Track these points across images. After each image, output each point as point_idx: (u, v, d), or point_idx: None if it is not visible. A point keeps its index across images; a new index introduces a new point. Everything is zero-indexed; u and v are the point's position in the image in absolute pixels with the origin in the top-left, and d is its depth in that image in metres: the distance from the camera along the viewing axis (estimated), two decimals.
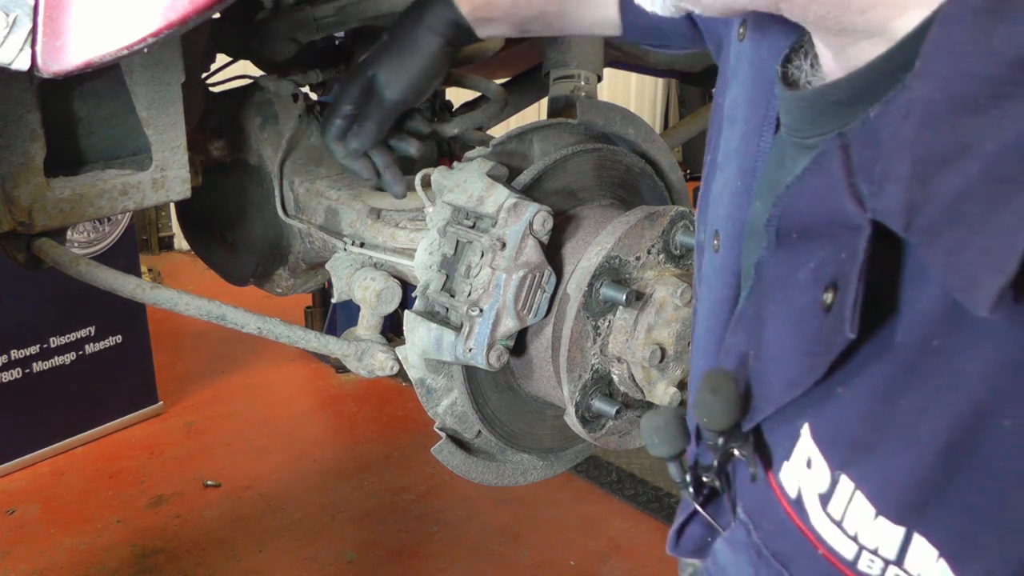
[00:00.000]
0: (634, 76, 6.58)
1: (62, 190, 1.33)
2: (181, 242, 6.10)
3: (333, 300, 1.50)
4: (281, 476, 3.64)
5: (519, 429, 1.43)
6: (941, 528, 0.59)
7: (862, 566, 0.63)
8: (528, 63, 2.32)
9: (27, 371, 3.62)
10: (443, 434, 1.38)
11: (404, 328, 1.29)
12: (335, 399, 4.30)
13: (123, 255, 3.76)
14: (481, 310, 1.22)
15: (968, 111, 0.50)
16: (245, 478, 3.61)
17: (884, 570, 0.62)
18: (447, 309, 1.28)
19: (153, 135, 1.39)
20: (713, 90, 1.17)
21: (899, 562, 0.61)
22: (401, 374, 1.38)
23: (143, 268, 4.80)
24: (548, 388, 1.35)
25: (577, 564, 3.15)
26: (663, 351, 1.27)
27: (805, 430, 0.66)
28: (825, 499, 0.65)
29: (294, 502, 3.46)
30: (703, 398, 0.71)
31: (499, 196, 1.23)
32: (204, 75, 1.69)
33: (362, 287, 1.42)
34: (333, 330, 4.07)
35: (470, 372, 1.33)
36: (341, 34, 1.87)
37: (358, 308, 1.46)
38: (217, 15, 1.58)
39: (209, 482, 3.58)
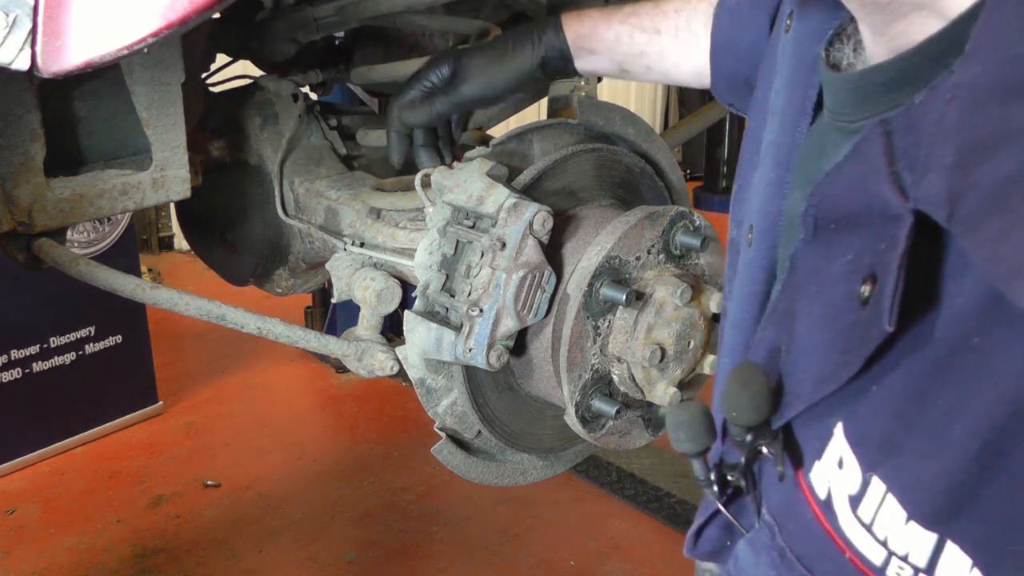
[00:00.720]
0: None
1: (62, 190, 1.33)
2: (181, 242, 6.10)
3: (333, 300, 1.50)
4: (281, 476, 3.64)
5: (519, 429, 1.43)
6: (975, 536, 0.56)
7: (891, 573, 0.61)
8: None
9: (27, 371, 3.62)
10: (443, 434, 1.38)
11: (404, 328, 1.29)
12: (335, 399, 4.30)
13: (123, 255, 3.77)
14: (481, 310, 1.22)
15: (1016, 96, 0.49)
16: (245, 478, 3.61)
17: None
18: (447, 309, 1.28)
19: (153, 135, 1.39)
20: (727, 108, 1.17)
21: (929, 570, 0.58)
22: (401, 374, 1.38)
23: (143, 268, 4.80)
24: (548, 388, 1.35)
25: (577, 564, 3.15)
26: (663, 351, 1.27)
27: (838, 429, 0.64)
28: (856, 501, 0.63)
29: (294, 502, 3.46)
30: (732, 392, 0.69)
31: (499, 196, 1.23)
32: (204, 75, 1.69)
33: (362, 287, 1.42)
34: (333, 330, 4.07)
35: (470, 372, 1.33)
36: (341, 34, 1.87)
37: (358, 308, 1.46)
38: (217, 15, 1.58)
39: (209, 482, 3.58)
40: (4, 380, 3.56)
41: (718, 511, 0.84)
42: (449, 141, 1.41)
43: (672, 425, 0.76)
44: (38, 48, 0.93)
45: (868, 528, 0.62)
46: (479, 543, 3.24)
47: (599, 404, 1.29)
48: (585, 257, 1.27)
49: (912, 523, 0.58)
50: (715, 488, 0.80)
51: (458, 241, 1.27)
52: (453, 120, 1.41)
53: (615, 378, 1.30)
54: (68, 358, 3.74)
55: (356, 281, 1.44)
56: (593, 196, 1.40)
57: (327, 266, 1.53)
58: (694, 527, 0.90)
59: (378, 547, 3.22)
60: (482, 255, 1.24)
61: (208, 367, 4.51)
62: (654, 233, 1.30)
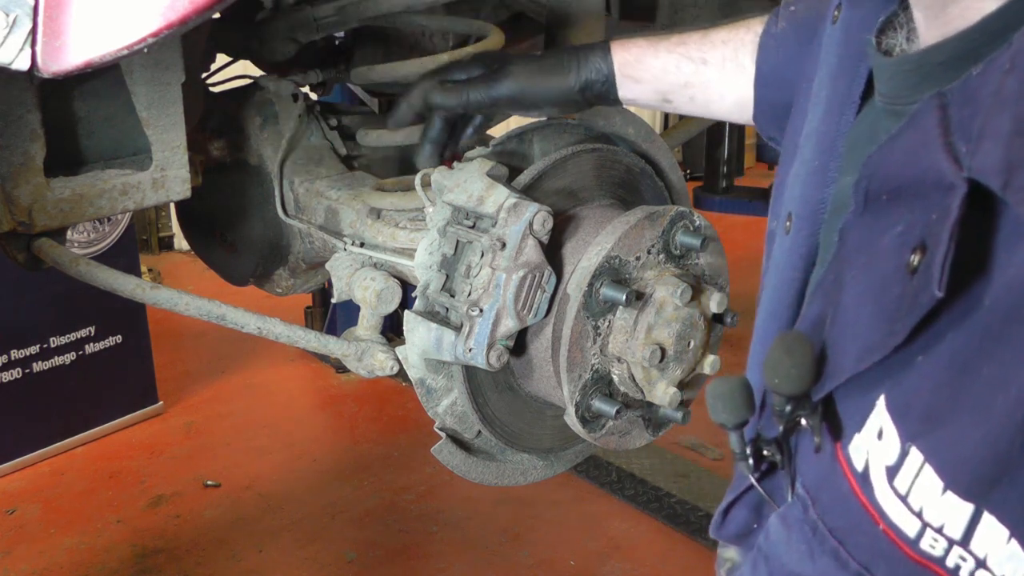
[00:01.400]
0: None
1: (62, 190, 1.33)
2: (181, 242, 6.10)
3: (333, 300, 1.50)
4: (281, 476, 3.64)
5: (519, 429, 1.43)
6: (1014, 506, 0.55)
7: (924, 545, 0.60)
8: None
9: (27, 371, 3.62)
10: (443, 434, 1.38)
11: (404, 328, 1.29)
12: (335, 399, 4.30)
13: (123, 255, 3.77)
14: (481, 310, 1.22)
15: None
16: (245, 478, 3.61)
17: (948, 550, 0.59)
18: (447, 309, 1.28)
19: (153, 135, 1.39)
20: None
21: (965, 542, 0.58)
22: (401, 374, 1.38)
23: (143, 268, 4.80)
24: (548, 388, 1.35)
25: (577, 564, 3.15)
26: (663, 351, 1.27)
27: (880, 401, 0.63)
28: (892, 472, 0.62)
29: (294, 502, 3.46)
30: (775, 358, 0.68)
31: (499, 196, 1.23)
32: (204, 75, 1.69)
33: (362, 287, 1.42)
34: (333, 330, 4.07)
35: (470, 372, 1.33)
36: (341, 34, 1.87)
37: (358, 308, 1.46)
38: (217, 15, 1.58)
39: (209, 482, 3.58)
40: (4, 380, 3.56)
41: (749, 488, 0.83)
42: (455, 146, 1.38)
43: (712, 396, 0.76)
44: (38, 48, 0.93)
45: (904, 499, 0.61)
46: (479, 543, 3.24)
47: (599, 404, 1.29)
48: (585, 257, 1.27)
49: (949, 493, 0.58)
50: (750, 462, 0.79)
51: (458, 241, 1.27)
52: (472, 125, 1.35)
53: (615, 378, 1.30)
54: (68, 358, 3.74)
55: (356, 281, 1.44)
56: (593, 196, 1.40)
57: (327, 266, 1.53)
58: (723, 505, 0.89)
59: (378, 547, 3.22)
60: (482, 255, 1.24)
61: (208, 367, 4.52)
62: (654, 233, 1.29)
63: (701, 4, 2.22)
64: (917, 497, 0.60)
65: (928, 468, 0.59)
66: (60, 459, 3.73)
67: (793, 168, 0.87)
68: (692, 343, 1.30)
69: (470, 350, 1.23)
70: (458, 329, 1.24)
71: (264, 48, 1.65)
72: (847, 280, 0.68)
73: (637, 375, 1.28)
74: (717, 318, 1.34)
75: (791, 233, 0.84)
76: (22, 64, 0.93)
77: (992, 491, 0.56)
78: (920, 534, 0.60)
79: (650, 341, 1.26)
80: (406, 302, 1.41)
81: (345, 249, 1.52)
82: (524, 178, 1.31)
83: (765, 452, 0.78)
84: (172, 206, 2.32)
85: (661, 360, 1.27)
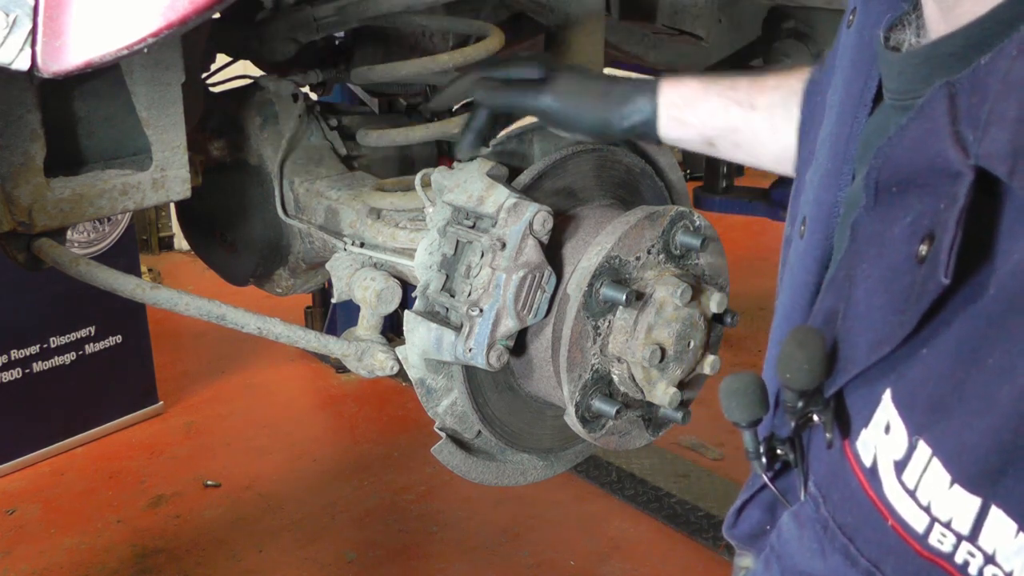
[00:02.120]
0: (634, 76, 6.57)
1: (62, 190, 1.33)
2: (181, 242, 6.10)
3: (333, 300, 1.50)
4: (281, 476, 3.64)
5: (519, 429, 1.43)
6: (1021, 499, 0.55)
7: (933, 540, 0.60)
8: None
9: (27, 371, 3.62)
10: (443, 434, 1.38)
11: (404, 328, 1.29)
12: (335, 399, 4.30)
13: (123, 255, 3.77)
14: (481, 310, 1.22)
15: None
16: (245, 478, 3.61)
17: (956, 546, 0.58)
18: (447, 309, 1.28)
19: (153, 135, 1.39)
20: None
21: (973, 537, 0.57)
22: (401, 374, 1.38)
23: (143, 268, 4.80)
24: (548, 388, 1.35)
25: (577, 564, 3.15)
26: (663, 351, 1.27)
27: (887, 395, 0.63)
28: (901, 466, 0.61)
29: (294, 502, 3.46)
30: (788, 352, 0.68)
31: (499, 196, 1.23)
32: (204, 75, 1.69)
33: (362, 287, 1.42)
34: (333, 330, 4.07)
35: (470, 372, 1.33)
36: (341, 34, 1.87)
37: (358, 308, 1.46)
38: (217, 15, 1.58)
39: (209, 482, 3.58)
40: (4, 380, 3.56)
41: (763, 487, 0.82)
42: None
43: (725, 393, 0.75)
44: (38, 48, 0.93)
45: (912, 494, 0.61)
46: (479, 543, 3.24)
47: (599, 404, 1.29)
48: (585, 257, 1.27)
49: (956, 487, 0.57)
50: (763, 460, 0.78)
51: (458, 241, 1.27)
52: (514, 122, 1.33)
53: (615, 378, 1.30)
54: (68, 358, 3.74)
55: (356, 281, 1.44)
56: (593, 196, 1.40)
57: (327, 266, 1.53)
58: (736, 504, 0.88)
59: (378, 547, 3.22)
60: (482, 255, 1.24)
61: (208, 367, 4.51)
62: (654, 233, 1.29)
63: (701, 4, 2.22)
64: (925, 491, 0.59)
65: (936, 461, 0.58)
66: (60, 459, 3.73)
67: (808, 173, 0.87)
68: (692, 343, 1.30)
69: (470, 350, 1.23)
70: (458, 329, 1.24)
71: (264, 48, 1.65)
72: (858, 274, 0.68)
73: (637, 375, 1.28)
74: (717, 318, 1.34)
75: (805, 237, 0.83)
76: (22, 64, 0.93)
77: (998, 484, 0.55)
78: (928, 529, 0.60)
79: (650, 341, 1.26)
80: (406, 302, 1.41)
81: (345, 249, 1.52)
82: (524, 178, 1.31)
83: (779, 451, 0.78)
84: (172, 206, 2.32)
85: (661, 360, 1.27)
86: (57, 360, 3.70)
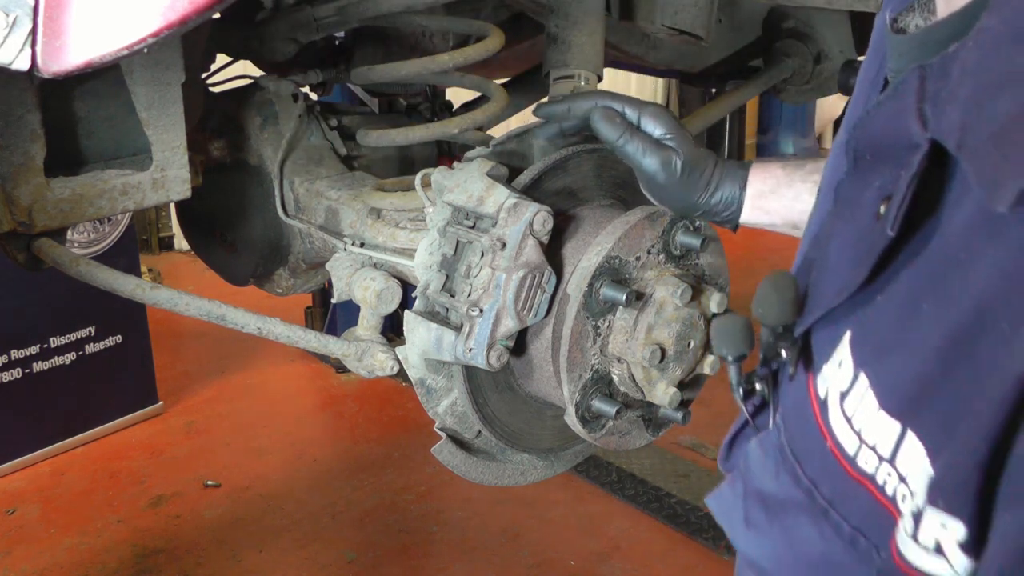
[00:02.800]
0: (634, 76, 6.58)
1: (62, 190, 1.33)
2: (181, 242, 6.10)
3: (333, 300, 1.50)
4: (281, 476, 3.64)
5: (519, 429, 1.43)
6: (930, 426, 0.61)
7: (860, 462, 0.66)
8: (528, 63, 2.32)
9: (27, 371, 3.62)
10: (443, 434, 1.38)
11: (404, 328, 1.29)
12: (335, 399, 4.30)
13: (123, 255, 3.77)
14: (481, 310, 1.22)
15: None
16: (245, 478, 3.61)
17: (878, 467, 0.65)
18: (447, 309, 1.28)
19: (153, 135, 1.39)
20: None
21: (892, 459, 0.63)
22: (401, 374, 1.38)
23: (143, 268, 4.80)
24: (548, 388, 1.35)
25: (577, 564, 3.15)
26: (663, 351, 1.27)
27: (847, 337, 0.70)
28: (844, 396, 0.69)
29: (294, 502, 3.46)
30: (763, 293, 0.76)
31: (499, 196, 1.23)
32: (204, 75, 1.69)
33: (362, 287, 1.42)
34: (333, 330, 4.07)
35: (470, 372, 1.33)
36: (341, 34, 1.87)
37: (358, 308, 1.46)
38: (217, 15, 1.58)
39: (209, 482, 3.58)
40: (4, 380, 3.56)
41: (747, 422, 0.90)
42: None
43: (716, 331, 0.86)
44: (38, 48, 0.93)
45: (849, 420, 0.68)
46: (479, 543, 3.24)
47: (599, 404, 1.29)
48: (585, 257, 1.27)
49: (882, 412, 0.64)
50: (741, 391, 0.87)
51: (458, 241, 1.27)
52: None
53: (615, 378, 1.30)
54: (68, 358, 3.74)
55: (356, 281, 1.44)
56: (593, 196, 1.40)
57: (327, 266, 1.53)
58: (727, 438, 0.95)
59: (378, 547, 3.22)
60: (482, 255, 1.24)
61: (208, 367, 4.51)
62: (654, 233, 1.30)
63: (701, 5, 2.22)
64: (859, 418, 0.67)
65: (870, 392, 0.65)
66: (60, 459, 3.73)
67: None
68: (692, 343, 1.30)
69: (470, 350, 1.23)
70: (458, 329, 1.24)
71: (264, 48, 1.65)
72: (834, 232, 0.76)
73: (637, 375, 1.28)
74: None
75: (815, 207, 0.90)
76: (22, 64, 0.93)
77: (915, 412, 0.62)
78: (858, 451, 0.67)
79: (650, 341, 1.26)
80: (406, 302, 1.41)
81: (345, 249, 1.52)
82: (524, 178, 1.31)
83: (758, 386, 0.86)
84: (172, 206, 2.32)
85: (661, 360, 1.27)
86: (57, 360, 3.70)
